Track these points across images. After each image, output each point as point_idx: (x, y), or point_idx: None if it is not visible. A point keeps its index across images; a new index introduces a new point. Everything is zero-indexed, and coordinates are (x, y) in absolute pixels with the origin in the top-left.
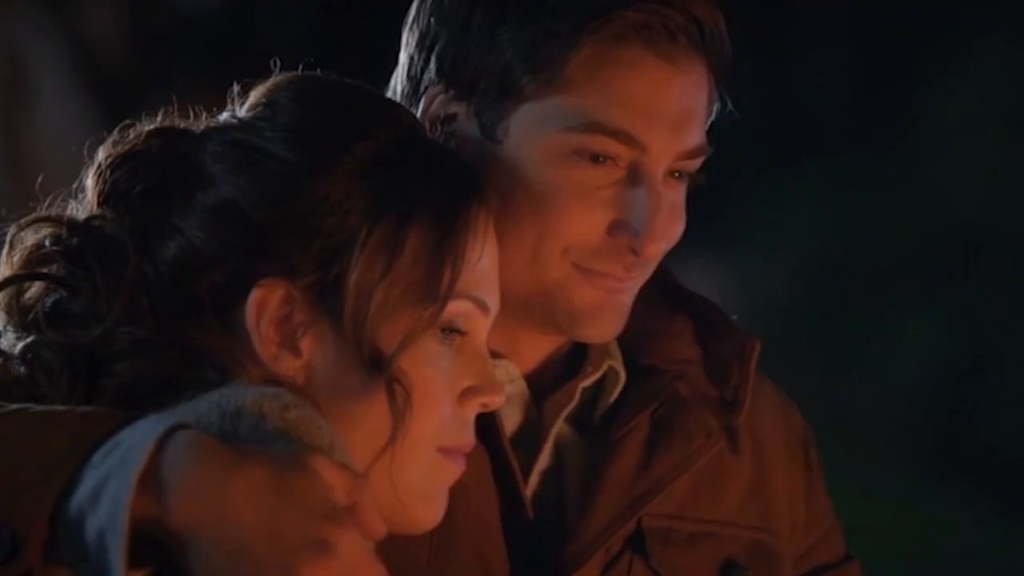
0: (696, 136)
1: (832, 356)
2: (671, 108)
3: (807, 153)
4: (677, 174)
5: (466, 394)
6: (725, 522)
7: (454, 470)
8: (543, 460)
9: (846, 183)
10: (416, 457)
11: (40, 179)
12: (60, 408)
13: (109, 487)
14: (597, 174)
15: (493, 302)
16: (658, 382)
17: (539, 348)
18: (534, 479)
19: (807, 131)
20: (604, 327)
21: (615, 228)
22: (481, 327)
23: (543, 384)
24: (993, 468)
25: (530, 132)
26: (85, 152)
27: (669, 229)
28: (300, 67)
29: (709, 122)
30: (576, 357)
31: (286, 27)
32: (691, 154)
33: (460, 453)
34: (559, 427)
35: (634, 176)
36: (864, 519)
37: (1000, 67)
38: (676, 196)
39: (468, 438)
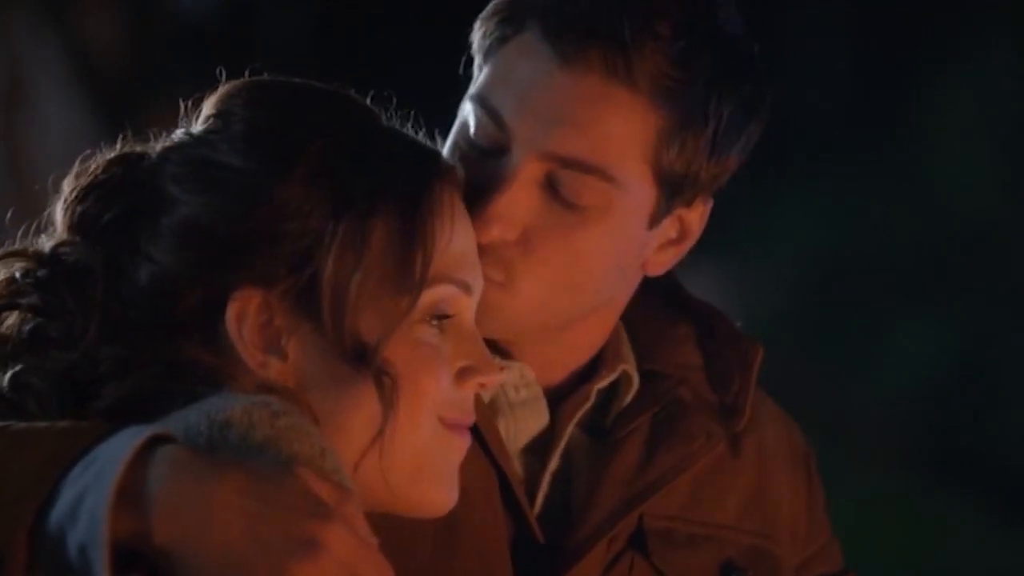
0: (579, 147)
1: (831, 359)
2: (544, 102)
3: (807, 155)
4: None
5: (462, 375)
6: (725, 526)
7: (460, 444)
8: (555, 462)
9: (846, 185)
10: (419, 431)
11: (48, 182)
12: (41, 424)
13: (87, 501)
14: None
15: (476, 282)
16: (661, 386)
17: (553, 352)
18: (545, 481)
19: (807, 133)
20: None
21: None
22: (467, 308)
23: (557, 388)
24: (993, 471)
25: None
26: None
27: (502, 211)
28: (247, 73)
29: (667, 154)
30: (589, 362)
31: (286, 30)
32: (565, 163)
33: (463, 427)
34: (571, 430)
35: (502, 159)
36: (863, 522)
37: (1001, 68)
38: (535, 192)
39: (469, 415)
